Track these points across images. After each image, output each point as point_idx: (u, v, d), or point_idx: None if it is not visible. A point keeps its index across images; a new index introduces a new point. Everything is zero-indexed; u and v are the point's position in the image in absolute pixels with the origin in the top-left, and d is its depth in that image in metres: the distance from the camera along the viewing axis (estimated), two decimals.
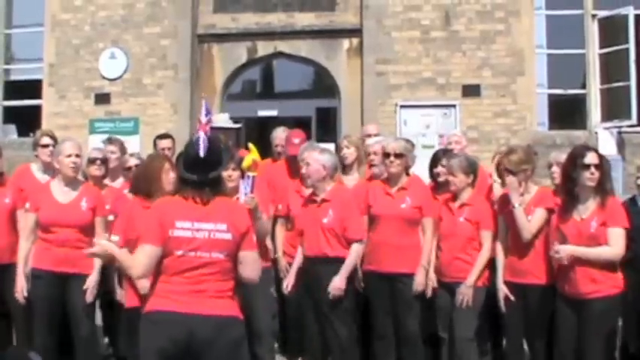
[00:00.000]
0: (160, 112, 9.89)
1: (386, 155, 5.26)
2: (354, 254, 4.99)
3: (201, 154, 3.43)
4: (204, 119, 3.64)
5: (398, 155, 5.23)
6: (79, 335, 4.97)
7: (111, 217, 5.09)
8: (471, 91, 9.46)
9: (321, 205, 5.06)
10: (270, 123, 9.90)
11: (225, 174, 4.49)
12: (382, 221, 5.17)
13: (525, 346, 4.90)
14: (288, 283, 5.21)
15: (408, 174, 5.33)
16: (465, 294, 4.91)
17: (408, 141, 5.61)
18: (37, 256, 4.99)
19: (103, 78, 9.98)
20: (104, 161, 5.73)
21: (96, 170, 5.68)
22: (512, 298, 4.81)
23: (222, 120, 6.83)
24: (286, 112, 10.03)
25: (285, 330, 5.78)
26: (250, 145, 4.82)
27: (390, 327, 5.17)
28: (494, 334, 5.18)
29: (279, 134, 6.45)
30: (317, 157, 5.12)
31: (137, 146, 8.99)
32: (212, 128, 6.01)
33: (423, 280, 5.09)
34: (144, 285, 4.03)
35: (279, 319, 5.64)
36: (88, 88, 10.01)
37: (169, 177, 4.67)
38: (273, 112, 10.15)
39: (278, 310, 5.53)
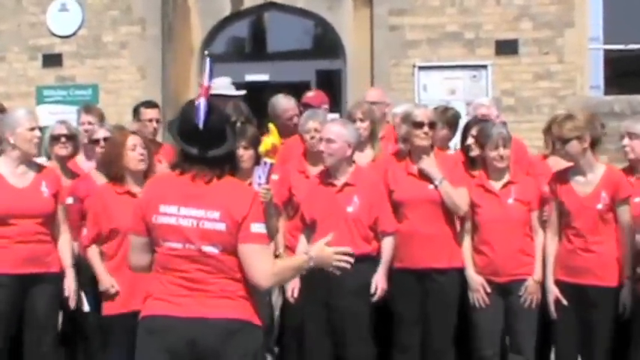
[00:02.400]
0: (124, 78, 9.81)
1: (417, 125, 5.19)
2: (389, 249, 5.06)
3: (200, 125, 3.41)
4: (207, 82, 3.58)
5: (432, 125, 5.21)
6: (39, 352, 4.90)
7: (70, 200, 5.14)
8: (507, 47, 9.38)
9: (344, 189, 5.07)
10: (260, 90, 9.79)
11: None
12: (409, 208, 5.19)
13: None
14: (293, 287, 5.17)
15: (432, 147, 5.32)
16: (534, 292, 4.99)
17: (446, 109, 5.71)
18: None
19: (53, 35, 9.88)
20: (71, 138, 5.69)
21: (61, 149, 5.63)
22: (564, 302, 4.84)
23: (223, 85, 6.72)
24: (280, 77, 9.91)
25: (281, 343, 5.77)
26: (270, 126, 4.80)
27: (416, 337, 5.20)
28: (540, 346, 5.18)
29: (285, 104, 6.43)
30: (341, 131, 5.08)
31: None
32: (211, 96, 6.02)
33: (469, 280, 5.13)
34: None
35: (277, 330, 5.64)
36: (34, 47, 9.91)
37: (136, 154, 4.74)
38: (264, 77, 10.08)
39: (275, 320, 5.57)
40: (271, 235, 4.65)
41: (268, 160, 4.69)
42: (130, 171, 4.80)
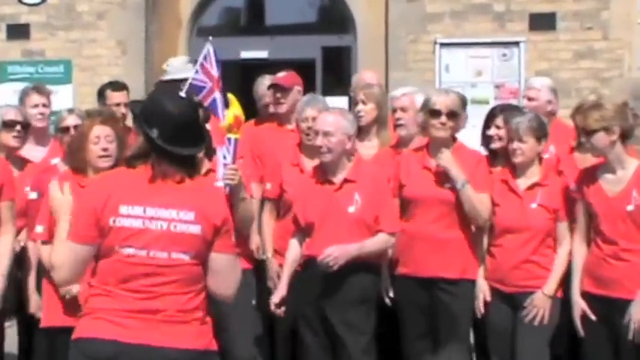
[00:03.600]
0: (101, 53, 9.82)
1: (433, 114, 5.22)
2: (378, 241, 5.04)
3: (223, 122, 3.46)
4: (216, 70, 3.56)
5: (452, 114, 5.21)
6: None
7: (33, 196, 5.16)
8: (543, 21, 9.35)
9: (343, 187, 5.09)
10: (258, 68, 9.76)
11: None
12: (420, 207, 5.22)
13: None
14: (279, 295, 5.21)
15: (454, 139, 5.36)
16: (541, 306, 5.02)
17: (458, 94, 5.60)
18: None
19: (20, 2, 9.87)
20: (26, 126, 5.71)
21: (14, 139, 5.63)
22: (592, 317, 4.84)
23: (180, 66, 6.65)
24: (281, 54, 9.89)
25: (273, 350, 5.84)
26: (230, 96, 4.80)
27: (425, 354, 5.24)
28: None
29: (264, 85, 6.48)
30: (339, 122, 5.10)
31: (69, 100, 9.11)
32: (172, 81, 6.03)
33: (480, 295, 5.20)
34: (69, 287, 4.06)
35: (266, 337, 5.69)
36: None
37: (97, 149, 4.74)
38: (263, 54, 10.12)
39: (264, 328, 5.61)
40: (242, 221, 4.79)
41: (232, 136, 4.66)
42: (92, 166, 4.81)
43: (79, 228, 3.42)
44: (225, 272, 3.49)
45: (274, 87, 6.26)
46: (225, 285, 3.51)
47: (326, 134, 5.05)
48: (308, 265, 5.12)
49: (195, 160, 3.54)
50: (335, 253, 4.89)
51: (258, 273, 5.56)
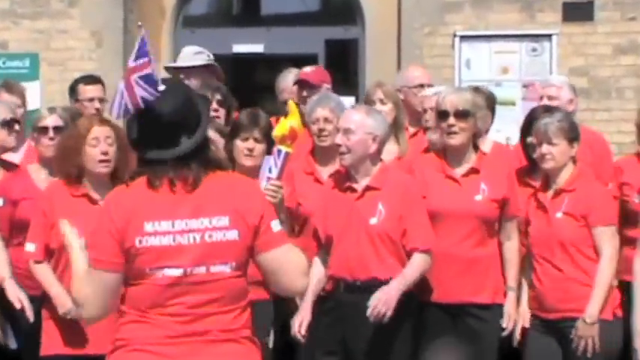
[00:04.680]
0: (73, 45, 9.80)
1: (441, 115, 5.27)
2: (417, 265, 5.04)
3: (114, 116, 3.49)
4: (132, 61, 3.60)
5: (461, 114, 5.22)
6: None
7: None
8: (578, 11, 9.34)
9: (365, 195, 5.12)
10: (252, 65, 9.76)
11: (242, 145, 5.09)
12: (445, 222, 5.25)
13: None
14: (301, 321, 5.19)
15: (476, 146, 5.41)
16: (587, 335, 5.04)
17: (478, 91, 5.70)
18: None
19: None
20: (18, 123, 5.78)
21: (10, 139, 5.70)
22: None
23: (187, 56, 6.93)
24: (278, 48, 9.98)
25: None
26: (290, 104, 4.93)
27: None
28: None
29: (288, 79, 6.68)
30: (363, 120, 5.11)
31: (36, 99, 8.97)
32: (171, 68, 6.07)
33: (514, 311, 5.28)
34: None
35: None
36: None
37: (97, 152, 4.81)
38: (258, 48, 10.14)
39: None
40: None
41: (283, 149, 4.73)
42: (88, 172, 4.87)
43: (102, 253, 3.41)
44: (284, 267, 3.50)
45: (301, 83, 6.32)
46: (290, 280, 3.53)
47: (346, 132, 5.07)
48: (333, 291, 5.20)
49: (195, 155, 3.47)
50: (381, 301, 4.85)
51: (278, 305, 5.50)
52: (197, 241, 3.37)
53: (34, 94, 9.10)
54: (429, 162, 5.41)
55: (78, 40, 9.80)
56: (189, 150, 3.44)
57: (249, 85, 8.51)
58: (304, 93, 6.30)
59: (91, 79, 6.94)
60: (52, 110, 5.73)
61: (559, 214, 5.15)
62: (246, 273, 3.48)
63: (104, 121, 5.04)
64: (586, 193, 5.18)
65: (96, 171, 4.84)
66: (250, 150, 5.12)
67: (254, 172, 4.88)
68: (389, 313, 4.84)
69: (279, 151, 4.70)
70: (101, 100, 6.67)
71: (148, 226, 3.36)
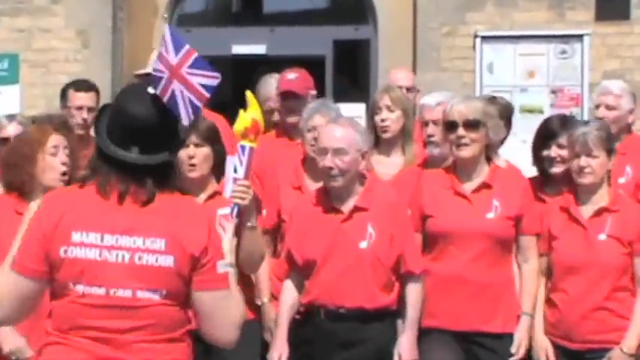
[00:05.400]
0: (57, 45, 9.83)
1: (449, 126, 5.28)
2: (417, 300, 5.11)
3: (185, 121, 3.51)
4: (173, 56, 3.55)
5: (471, 125, 5.23)
6: None
7: None
8: (613, 9, 9.35)
9: (352, 217, 5.11)
10: (253, 67, 9.72)
11: (183, 153, 4.84)
12: (455, 243, 5.28)
13: None
14: (279, 356, 5.18)
15: (489, 158, 5.40)
16: None
17: (494, 100, 5.77)
18: None
19: None
20: None
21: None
22: None
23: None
24: (282, 49, 10.00)
25: None
26: (248, 95, 4.91)
27: None
28: None
29: (271, 86, 6.59)
30: (353, 136, 5.12)
31: (15, 104, 8.83)
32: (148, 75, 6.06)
33: (526, 339, 5.26)
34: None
35: None
36: None
37: (56, 163, 4.74)
38: (260, 49, 10.19)
39: None
40: (256, 258, 5.00)
41: (247, 144, 4.70)
42: (42, 186, 4.72)
43: (25, 257, 3.43)
44: (217, 313, 3.49)
45: (285, 95, 6.33)
46: (219, 328, 3.51)
47: (337, 152, 5.03)
48: (309, 316, 5.15)
49: (162, 170, 3.49)
50: (408, 352, 5.01)
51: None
52: (125, 260, 3.37)
53: (14, 99, 9.10)
54: (437, 178, 5.41)
55: (62, 39, 9.82)
56: (162, 162, 3.47)
57: (250, 89, 8.34)
58: (290, 105, 6.29)
59: (84, 86, 6.93)
60: (11, 118, 5.75)
61: (602, 236, 5.14)
62: (183, 303, 3.46)
63: (59, 130, 4.93)
64: (632, 216, 5.20)
65: (48, 184, 4.70)
66: (191, 157, 4.93)
67: (200, 185, 4.89)
68: None
69: (243, 147, 4.67)
70: (90, 110, 6.63)
71: (76, 236, 3.37)
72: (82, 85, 6.94)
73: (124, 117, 3.46)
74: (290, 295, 5.20)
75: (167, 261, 3.38)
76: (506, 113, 5.97)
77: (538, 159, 5.63)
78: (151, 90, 3.49)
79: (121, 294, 3.36)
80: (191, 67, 3.49)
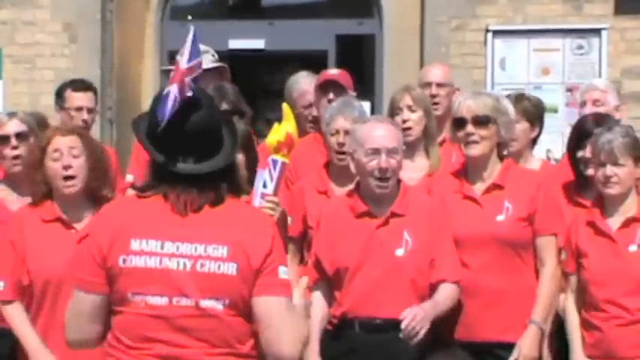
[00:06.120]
0: (43, 40, 9.80)
1: (458, 123, 5.30)
2: (447, 295, 5.07)
3: (162, 119, 3.51)
4: (186, 61, 3.63)
5: (480, 122, 5.25)
6: None
7: None
8: (633, 2, 9.33)
9: (389, 223, 5.09)
10: (251, 63, 9.78)
11: None
12: (465, 249, 5.25)
13: None
14: None
15: (501, 157, 5.39)
16: None
17: (522, 97, 5.83)
18: None
19: None
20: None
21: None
22: None
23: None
24: (282, 44, 10.09)
25: None
26: (285, 108, 4.98)
27: None
28: None
29: (303, 83, 6.63)
30: (399, 135, 5.14)
31: None
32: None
33: (534, 350, 5.24)
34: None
35: None
36: None
37: (58, 167, 4.80)
38: (258, 44, 10.23)
39: None
40: None
41: (279, 159, 4.82)
42: (56, 191, 4.86)
43: (83, 272, 3.48)
44: (278, 322, 3.49)
45: (327, 85, 6.26)
46: (280, 340, 3.49)
47: (390, 152, 5.02)
48: (342, 329, 5.14)
49: (216, 178, 3.55)
50: (417, 317, 4.83)
51: None
52: (187, 268, 3.41)
53: None
54: (446, 182, 5.42)
55: (48, 33, 9.81)
56: (224, 166, 3.54)
57: (249, 86, 8.43)
58: (330, 96, 6.24)
59: (82, 85, 6.92)
60: (12, 115, 5.70)
61: (633, 248, 5.11)
62: (247, 315, 3.49)
63: (69, 131, 5.01)
64: None
65: (60, 192, 4.83)
66: None
67: None
68: (422, 334, 4.83)
69: (275, 162, 4.78)
70: (90, 111, 6.69)
71: (135, 244, 3.42)
72: (80, 84, 6.94)
73: (173, 127, 3.48)
74: (320, 308, 5.19)
75: (230, 268, 3.44)
76: (536, 111, 6.02)
77: (574, 161, 5.60)
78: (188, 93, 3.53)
79: (183, 302, 3.42)
80: (192, 79, 3.57)
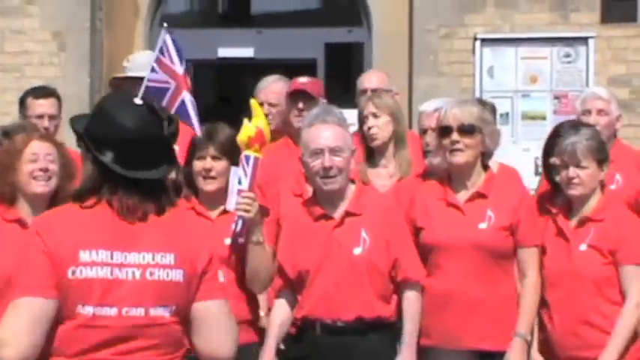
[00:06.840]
0: (32, 48, 9.82)
1: (443, 131, 5.29)
2: (415, 311, 5.11)
3: (198, 131, 3.44)
4: (179, 65, 3.56)
5: (466, 131, 5.25)
6: None
7: None
8: (620, 11, 9.35)
9: (344, 222, 5.11)
10: (240, 71, 9.78)
11: (199, 166, 5.09)
12: (447, 256, 5.29)
13: None
14: None
15: (486, 166, 5.41)
16: None
17: (487, 104, 5.78)
18: None
19: None
20: None
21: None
22: None
23: (144, 63, 6.43)
24: (271, 52, 10.09)
25: None
26: (253, 103, 4.95)
27: None
28: None
29: (273, 86, 6.62)
30: (344, 134, 5.17)
31: None
32: (129, 79, 6.00)
33: None
34: None
35: None
36: None
37: (34, 169, 4.77)
38: (247, 52, 10.25)
39: None
40: (262, 275, 5.14)
41: (252, 155, 4.78)
42: (24, 193, 4.86)
43: (33, 278, 3.38)
44: (217, 324, 3.54)
45: (296, 94, 6.30)
46: (218, 341, 3.55)
47: (334, 151, 5.03)
48: (304, 332, 5.14)
49: (163, 188, 3.57)
50: None
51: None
52: (137, 277, 3.41)
53: None
54: (429, 189, 5.43)
55: (37, 42, 9.81)
56: (166, 173, 3.55)
57: (237, 95, 8.44)
58: (300, 105, 6.26)
59: (43, 92, 6.92)
60: None
61: (583, 247, 5.15)
62: (186, 322, 3.50)
63: (45, 137, 5.03)
64: (616, 224, 5.16)
65: (32, 190, 4.82)
66: (207, 170, 5.06)
67: (218, 199, 4.97)
68: None
69: (247, 158, 4.75)
70: (52, 118, 6.69)
71: (84, 255, 3.37)
72: (41, 91, 6.94)
73: (124, 133, 3.46)
74: (281, 312, 5.20)
75: (177, 275, 3.45)
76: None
77: (547, 167, 5.56)
78: (138, 101, 3.53)
79: (134, 313, 3.40)
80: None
